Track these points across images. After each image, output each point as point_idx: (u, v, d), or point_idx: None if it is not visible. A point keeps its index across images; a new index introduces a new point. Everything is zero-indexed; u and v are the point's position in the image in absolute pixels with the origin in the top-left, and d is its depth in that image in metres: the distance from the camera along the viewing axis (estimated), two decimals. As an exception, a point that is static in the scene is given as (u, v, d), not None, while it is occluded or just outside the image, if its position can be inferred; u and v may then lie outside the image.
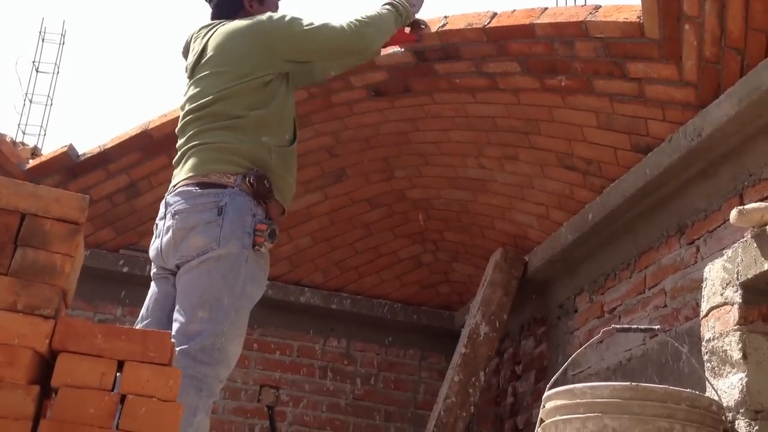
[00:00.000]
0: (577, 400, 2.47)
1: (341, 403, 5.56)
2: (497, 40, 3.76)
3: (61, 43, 12.05)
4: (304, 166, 4.75)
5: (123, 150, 4.62)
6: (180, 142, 3.02)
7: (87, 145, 5.49)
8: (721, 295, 2.56)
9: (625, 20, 3.36)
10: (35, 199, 1.92)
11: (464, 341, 4.76)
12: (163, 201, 2.92)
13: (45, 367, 1.88)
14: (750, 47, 3.22)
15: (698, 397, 2.45)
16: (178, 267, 2.82)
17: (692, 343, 3.26)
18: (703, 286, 2.66)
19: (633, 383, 2.46)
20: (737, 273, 2.51)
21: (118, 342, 1.87)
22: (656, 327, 2.85)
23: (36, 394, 1.79)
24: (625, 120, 3.75)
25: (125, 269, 5.10)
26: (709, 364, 2.58)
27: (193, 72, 3.10)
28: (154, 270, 2.94)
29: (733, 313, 2.51)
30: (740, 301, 2.49)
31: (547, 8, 3.65)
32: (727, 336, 2.51)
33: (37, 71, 11.83)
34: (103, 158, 4.65)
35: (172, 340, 2.00)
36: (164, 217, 2.87)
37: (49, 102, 11.70)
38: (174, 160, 3.04)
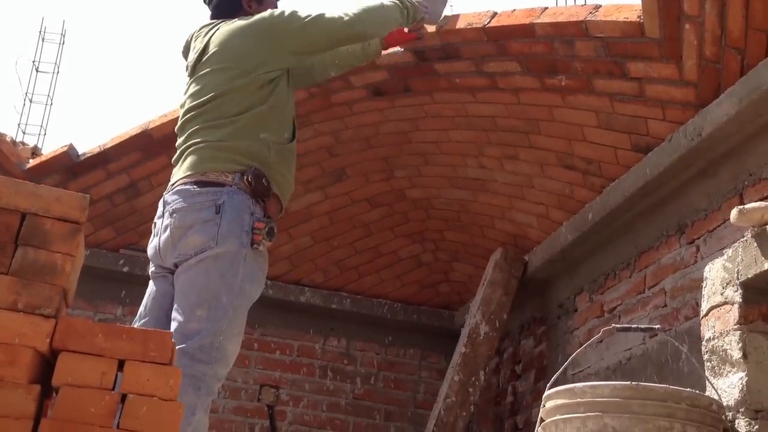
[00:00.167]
0: (578, 400, 2.47)
1: (341, 403, 5.56)
2: (497, 39, 3.76)
3: (61, 42, 12.03)
4: (304, 166, 4.75)
5: (123, 150, 4.62)
6: (179, 140, 3.02)
7: (87, 145, 5.49)
8: (722, 294, 2.56)
9: (625, 20, 3.36)
10: (36, 199, 1.92)
11: (464, 341, 4.76)
12: (162, 199, 2.92)
13: (46, 366, 1.88)
14: (750, 47, 3.22)
15: (698, 396, 2.45)
16: (176, 266, 2.82)
17: (692, 342, 3.26)
18: (704, 285, 2.66)
19: (633, 382, 2.46)
20: (737, 272, 2.51)
21: (119, 341, 1.87)
22: (656, 326, 2.85)
23: (37, 394, 1.79)
24: (625, 119, 3.75)
25: (125, 269, 5.10)
26: (709, 364, 2.58)
27: (194, 70, 3.10)
28: (152, 268, 2.94)
29: (734, 313, 2.51)
30: (740, 300, 2.49)
31: (547, 8, 3.65)
32: (727, 335, 2.52)
33: (37, 71, 11.82)
34: (103, 158, 4.65)
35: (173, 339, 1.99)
36: (162, 216, 2.87)
37: (49, 102, 11.68)
38: (173, 158, 3.04)
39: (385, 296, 5.70)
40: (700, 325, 2.69)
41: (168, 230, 2.81)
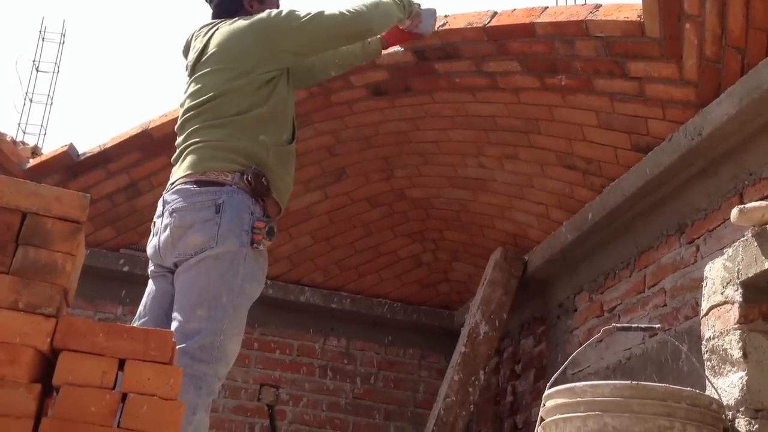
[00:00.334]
0: (578, 399, 2.47)
1: (341, 402, 5.56)
2: (497, 39, 3.76)
3: (61, 42, 12.04)
4: (304, 166, 4.75)
5: (123, 149, 4.62)
6: (179, 139, 3.02)
7: (87, 145, 5.49)
8: (722, 293, 2.56)
9: (625, 19, 3.36)
10: (36, 198, 1.92)
11: (464, 340, 4.76)
12: (161, 198, 2.92)
13: (46, 365, 1.88)
14: (751, 46, 3.22)
15: (698, 395, 2.46)
16: (175, 265, 2.82)
17: (692, 342, 3.26)
18: (704, 284, 2.66)
19: (633, 382, 2.47)
20: (738, 272, 2.51)
21: (120, 340, 1.87)
22: (656, 326, 2.85)
23: (37, 393, 1.79)
24: (626, 119, 3.75)
25: (126, 268, 5.10)
26: (709, 363, 2.58)
27: (193, 69, 3.10)
28: (151, 268, 2.94)
29: (734, 312, 2.51)
30: (740, 299, 2.50)
31: (547, 7, 3.65)
32: (727, 335, 2.52)
33: (37, 70, 11.82)
34: (104, 158, 4.65)
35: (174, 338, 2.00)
36: (162, 215, 2.87)
37: (50, 101, 11.69)
38: (173, 157, 3.04)
39: (385, 296, 5.70)
40: (699, 324, 2.69)
41: (168, 230, 2.81)
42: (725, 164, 3.40)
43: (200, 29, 3.20)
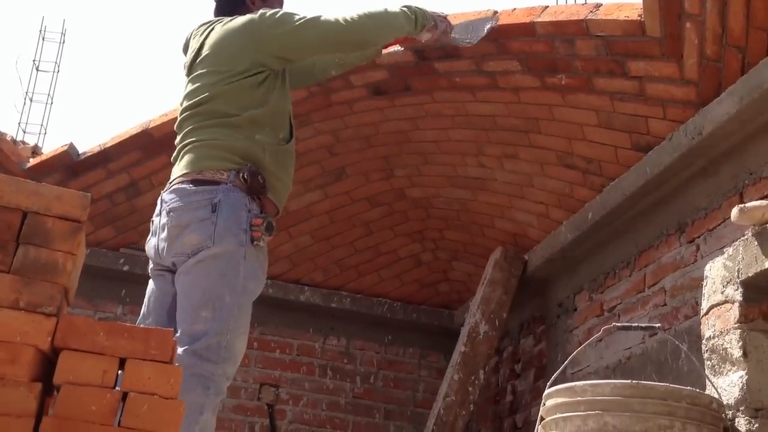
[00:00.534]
0: (578, 398, 2.47)
1: (341, 402, 5.56)
2: (497, 38, 3.76)
3: (62, 41, 12.05)
4: (304, 165, 4.75)
5: (123, 149, 4.62)
6: (177, 139, 3.02)
7: (87, 144, 5.51)
8: (722, 293, 2.56)
9: (626, 18, 3.36)
10: (37, 197, 1.92)
11: (464, 340, 4.76)
12: (160, 198, 2.92)
13: (47, 364, 1.88)
14: (751, 45, 3.22)
15: (699, 394, 2.46)
16: (174, 264, 2.82)
17: (692, 341, 3.26)
18: (704, 284, 2.67)
19: (634, 381, 2.47)
20: (738, 271, 2.51)
21: (120, 340, 1.87)
22: (657, 325, 2.86)
23: (38, 392, 1.79)
24: (626, 118, 3.75)
25: (126, 268, 5.10)
26: (709, 362, 2.58)
27: (190, 69, 3.10)
28: (151, 266, 2.94)
29: (734, 311, 2.51)
30: (741, 299, 2.50)
31: (547, 6, 3.65)
32: (727, 334, 2.52)
33: (37, 70, 11.83)
34: (104, 157, 4.65)
35: (175, 338, 1.99)
36: (160, 214, 2.87)
37: (50, 101, 11.70)
38: (172, 157, 3.04)
39: (385, 295, 5.70)
40: (699, 324, 2.70)
41: (165, 229, 2.81)
42: (725, 163, 3.40)
43: (198, 28, 3.20)
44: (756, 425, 2.39)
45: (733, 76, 3.26)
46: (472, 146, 4.54)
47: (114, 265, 5.11)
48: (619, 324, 2.88)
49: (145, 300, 2.94)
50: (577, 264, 4.47)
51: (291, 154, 3.07)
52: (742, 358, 2.46)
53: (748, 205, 2.51)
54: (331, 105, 4.46)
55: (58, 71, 11.83)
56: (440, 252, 5.57)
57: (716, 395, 2.49)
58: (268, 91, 2.97)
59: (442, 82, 4.15)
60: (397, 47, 3.94)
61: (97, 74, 29.38)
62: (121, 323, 2.01)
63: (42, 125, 11.96)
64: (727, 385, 2.49)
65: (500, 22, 3.69)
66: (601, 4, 3.47)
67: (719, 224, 3.38)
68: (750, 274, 2.46)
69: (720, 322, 2.56)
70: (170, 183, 2.91)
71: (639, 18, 3.32)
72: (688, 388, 2.50)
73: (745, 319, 2.48)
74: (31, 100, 11.64)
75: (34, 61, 11.81)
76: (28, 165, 4.62)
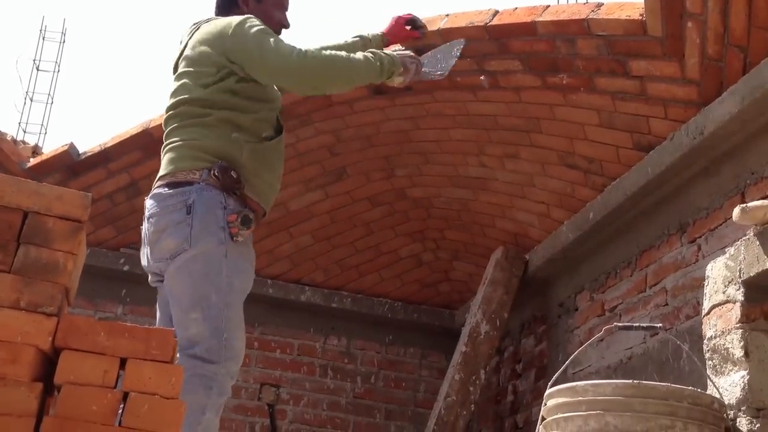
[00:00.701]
0: (579, 398, 2.47)
1: (342, 402, 5.56)
2: (498, 38, 3.76)
3: (62, 41, 12.03)
4: (305, 165, 4.75)
5: (124, 149, 4.62)
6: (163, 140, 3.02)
7: (88, 144, 5.50)
8: (724, 293, 2.56)
9: (627, 18, 3.36)
10: (38, 197, 1.92)
11: (465, 340, 4.76)
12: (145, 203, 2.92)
13: (48, 364, 1.88)
14: (753, 45, 3.22)
15: (700, 394, 2.46)
16: (161, 271, 2.82)
17: (693, 341, 3.26)
18: (705, 284, 2.66)
19: (635, 381, 2.47)
20: (739, 271, 2.51)
21: (121, 339, 1.87)
22: (658, 325, 2.85)
23: (39, 392, 1.79)
24: (627, 118, 3.75)
25: (126, 268, 5.10)
26: (710, 362, 2.58)
27: (175, 69, 3.11)
28: (149, 277, 2.94)
29: (735, 311, 2.51)
30: (742, 299, 2.50)
31: (549, 6, 3.64)
32: (729, 334, 2.52)
33: (37, 70, 11.82)
34: (104, 157, 4.65)
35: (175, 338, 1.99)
36: (144, 221, 2.88)
37: (50, 100, 11.68)
38: None
39: (386, 295, 5.70)
40: (701, 324, 2.69)
41: (147, 236, 2.82)
42: (727, 163, 3.39)
43: (190, 28, 3.20)
44: (757, 425, 2.38)
45: (734, 75, 3.25)
46: (473, 146, 4.53)
47: (114, 265, 5.11)
48: (620, 324, 2.88)
49: (157, 310, 2.95)
50: (579, 264, 4.47)
51: (276, 151, 2.99)
52: (743, 358, 2.46)
53: (750, 204, 2.50)
54: (331, 105, 4.45)
55: (59, 71, 11.82)
56: (441, 252, 5.56)
57: (718, 395, 2.49)
58: (244, 90, 2.94)
59: (443, 82, 4.13)
60: (398, 46, 3.94)
61: (97, 74, 29.39)
62: (122, 323, 2.01)
63: (42, 125, 11.96)
64: (728, 385, 2.49)
65: (502, 22, 3.69)
66: (603, 4, 3.46)
67: (721, 224, 3.37)
68: (751, 274, 2.46)
69: (721, 322, 2.56)
70: (153, 187, 2.91)
71: (640, 17, 3.31)
72: (690, 388, 2.50)
73: (746, 319, 2.48)
74: (31, 100, 11.63)
75: (34, 60, 11.80)
76: (29, 165, 4.62)
